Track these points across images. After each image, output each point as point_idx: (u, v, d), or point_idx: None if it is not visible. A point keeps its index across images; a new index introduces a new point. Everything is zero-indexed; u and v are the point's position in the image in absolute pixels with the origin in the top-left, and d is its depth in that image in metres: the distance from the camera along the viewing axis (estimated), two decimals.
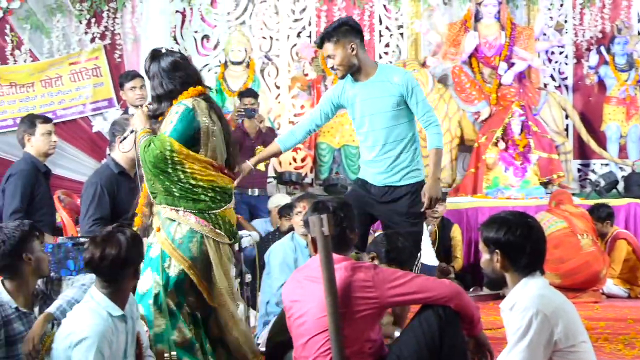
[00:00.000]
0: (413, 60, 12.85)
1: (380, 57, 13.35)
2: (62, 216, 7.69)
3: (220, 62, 13.29)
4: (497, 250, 4.41)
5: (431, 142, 6.65)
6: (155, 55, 5.52)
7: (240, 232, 7.61)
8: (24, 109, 11.99)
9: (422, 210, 6.59)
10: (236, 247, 7.18)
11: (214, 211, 5.37)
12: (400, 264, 5.73)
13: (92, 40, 12.73)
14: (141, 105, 7.39)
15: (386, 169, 6.69)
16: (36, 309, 4.96)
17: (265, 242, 9.26)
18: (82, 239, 5.97)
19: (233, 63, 12.95)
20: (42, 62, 12.50)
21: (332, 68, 6.69)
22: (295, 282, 4.99)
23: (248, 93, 11.43)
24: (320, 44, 6.68)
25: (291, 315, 4.94)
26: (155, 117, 5.54)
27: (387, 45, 13.47)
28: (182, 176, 5.27)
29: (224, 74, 13.00)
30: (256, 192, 10.95)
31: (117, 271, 4.55)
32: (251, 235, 7.87)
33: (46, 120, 7.59)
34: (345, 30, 6.56)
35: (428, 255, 9.52)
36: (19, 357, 4.75)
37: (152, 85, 5.58)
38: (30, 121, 7.51)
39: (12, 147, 10.94)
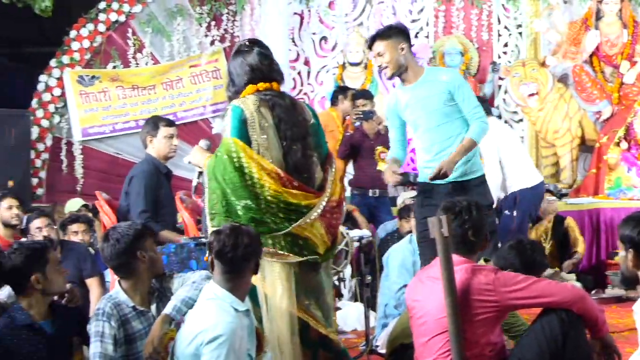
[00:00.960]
0: (532, 60, 12.67)
1: (499, 57, 13.21)
2: (183, 217, 7.78)
3: (338, 63, 13.33)
4: (630, 249, 4.32)
5: (471, 131, 6.57)
6: (236, 52, 5.42)
7: (356, 233, 7.63)
8: (146, 111, 12.23)
9: (431, 177, 6.49)
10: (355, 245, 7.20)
11: (276, 233, 4.97)
12: (537, 273, 5.62)
13: (212, 43, 12.91)
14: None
15: None
16: (153, 307, 5.01)
17: (384, 243, 9.24)
18: (204, 240, 6.03)
19: (351, 64, 12.98)
20: (163, 65, 12.73)
21: (380, 67, 6.72)
22: (418, 281, 4.97)
23: (361, 94, 11.41)
24: (370, 44, 6.74)
25: (413, 314, 4.91)
26: None
27: (505, 45, 13.31)
28: (249, 182, 4.92)
29: (343, 75, 13.04)
30: (377, 192, 10.89)
31: (244, 262, 4.55)
32: (363, 235, 7.85)
33: (169, 123, 7.66)
34: (397, 31, 6.68)
35: None
36: (138, 354, 4.79)
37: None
38: (154, 123, 7.60)
39: (135, 148, 11.19)
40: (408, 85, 6.71)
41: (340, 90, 11.09)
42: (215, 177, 4.99)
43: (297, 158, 5.10)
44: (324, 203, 5.09)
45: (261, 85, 5.18)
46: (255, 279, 4.84)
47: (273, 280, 4.98)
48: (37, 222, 7.51)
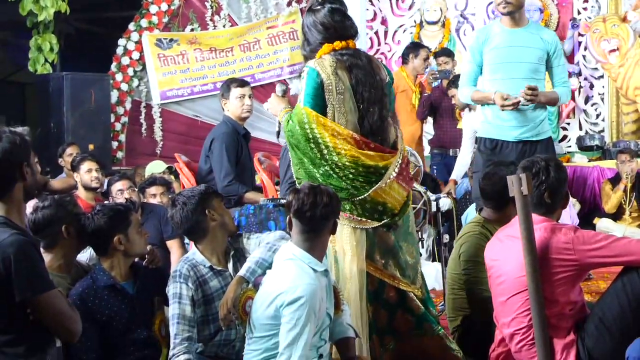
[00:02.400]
0: (613, 15, 12.46)
1: (579, 13, 13.01)
2: (262, 178, 7.84)
3: (415, 22, 13.27)
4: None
5: (560, 89, 6.68)
6: (308, 10, 5.35)
7: (437, 195, 7.60)
8: (224, 73, 12.29)
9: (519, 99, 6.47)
10: (434, 208, 7.18)
11: (357, 198, 5.00)
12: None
13: (289, 4, 12.92)
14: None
15: (523, 122, 6.66)
16: (230, 265, 5.02)
17: (462, 202, 9.21)
18: (282, 201, 6.06)
19: (428, 23, 12.92)
20: (241, 27, 12.78)
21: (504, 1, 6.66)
22: (497, 240, 4.94)
23: (442, 52, 11.34)
24: None
25: (492, 274, 4.89)
26: None
27: (585, 0, 13.09)
28: (325, 152, 4.96)
29: (420, 34, 12.98)
30: (457, 152, 10.84)
31: (322, 221, 4.54)
32: (447, 197, 7.82)
33: (241, 84, 7.67)
34: None
35: None
36: (217, 314, 4.82)
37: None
38: (227, 85, 7.64)
39: (214, 111, 11.27)
40: (509, 27, 6.69)
41: (411, 48, 10.96)
42: (292, 146, 5.07)
43: (373, 121, 5.07)
44: (399, 161, 5.09)
45: (337, 45, 5.12)
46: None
47: (342, 244, 5.03)
48: (119, 185, 7.61)
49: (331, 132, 4.95)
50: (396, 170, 5.06)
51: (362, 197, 4.98)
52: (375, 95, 5.11)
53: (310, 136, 4.96)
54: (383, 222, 5.07)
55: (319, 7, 5.24)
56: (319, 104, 4.99)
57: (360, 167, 4.96)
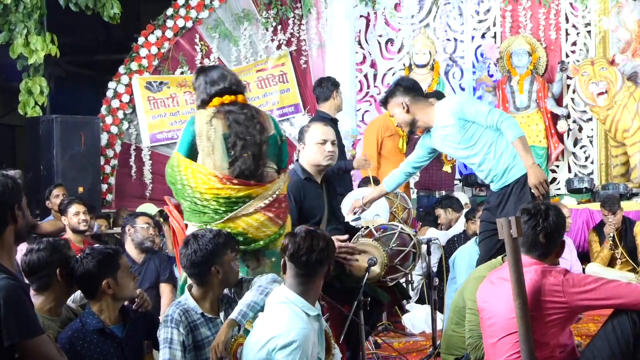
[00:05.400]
0: (601, 58, 12.54)
1: (567, 56, 13.12)
2: None
3: (404, 65, 13.33)
4: None
5: (508, 135, 6.59)
6: (201, 70, 5.93)
7: (427, 238, 7.61)
8: None
9: (539, 196, 6.51)
10: (424, 250, 7.18)
11: (217, 222, 5.46)
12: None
13: (279, 47, 12.97)
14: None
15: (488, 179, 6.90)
16: (222, 314, 5.03)
17: (451, 244, 9.22)
18: None
19: (417, 66, 12.96)
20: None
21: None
22: (489, 282, 4.95)
23: (433, 95, 11.36)
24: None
25: (483, 316, 4.90)
26: None
27: (574, 43, 13.20)
28: (189, 191, 5.54)
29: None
30: (443, 193, 10.89)
31: (318, 266, 4.55)
32: (437, 240, 7.84)
33: None
34: (394, 89, 7.01)
35: None
36: None
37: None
38: None
39: None
40: (429, 131, 6.96)
41: None
42: (169, 184, 5.77)
43: (246, 166, 5.56)
44: (270, 197, 5.61)
45: (226, 98, 5.69)
46: None
47: None
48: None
49: (194, 174, 5.54)
50: (265, 202, 5.56)
51: (222, 221, 5.45)
52: (250, 143, 5.58)
53: (178, 178, 5.60)
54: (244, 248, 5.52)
55: (210, 67, 5.98)
56: (192, 148, 5.61)
57: (221, 199, 5.48)
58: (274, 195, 5.63)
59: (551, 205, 4.88)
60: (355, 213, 7.13)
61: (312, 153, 6.45)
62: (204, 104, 5.72)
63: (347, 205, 7.24)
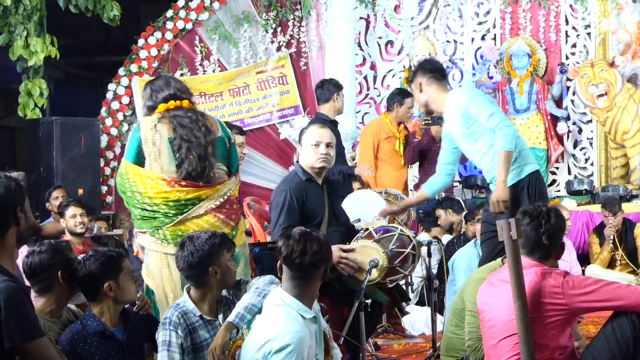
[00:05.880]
0: (601, 60, 12.54)
1: (567, 58, 13.11)
2: (251, 222, 7.83)
3: (404, 67, 13.33)
4: None
5: (498, 144, 6.60)
6: (148, 81, 6.14)
7: (427, 240, 7.60)
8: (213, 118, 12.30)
9: (494, 214, 6.55)
10: (424, 252, 7.17)
11: (167, 225, 5.64)
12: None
13: (278, 48, 12.96)
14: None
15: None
16: (220, 316, 5.04)
17: (450, 246, 9.22)
18: (270, 245, 6.07)
19: None
20: (230, 72, 12.81)
21: None
22: (489, 284, 4.95)
23: None
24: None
25: (483, 317, 4.90)
26: None
27: (574, 45, 13.19)
28: (138, 197, 5.69)
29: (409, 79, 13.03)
30: (442, 195, 10.88)
31: (312, 269, 4.55)
32: (438, 242, 7.84)
33: (241, 132, 7.80)
34: (415, 71, 7.12)
35: None
36: None
37: None
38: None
39: None
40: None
41: (396, 97, 10.93)
42: (120, 192, 5.93)
43: (192, 168, 5.70)
44: (220, 198, 5.78)
45: (172, 104, 5.85)
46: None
47: (152, 268, 5.72)
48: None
49: (142, 179, 5.69)
50: (216, 203, 5.73)
51: (173, 224, 5.63)
52: (195, 145, 5.74)
53: (127, 185, 5.75)
54: None
55: (157, 77, 6.22)
56: (140, 155, 5.76)
57: (170, 202, 5.63)
58: (225, 197, 5.81)
59: (551, 207, 4.89)
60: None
61: (307, 155, 6.46)
62: (150, 110, 5.89)
63: (348, 208, 7.22)
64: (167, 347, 4.77)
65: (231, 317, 4.74)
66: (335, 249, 5.84)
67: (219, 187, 5.78)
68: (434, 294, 7.36)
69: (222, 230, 5.54)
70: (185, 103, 5.89)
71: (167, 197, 5.62)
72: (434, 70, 6.99)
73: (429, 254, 7.37)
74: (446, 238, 9.82)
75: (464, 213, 9.73)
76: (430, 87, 6.91)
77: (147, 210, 5.66)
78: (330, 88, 9.41)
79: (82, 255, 5.02)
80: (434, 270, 8.48)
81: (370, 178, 10.23)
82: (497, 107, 6.96)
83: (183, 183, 5.65)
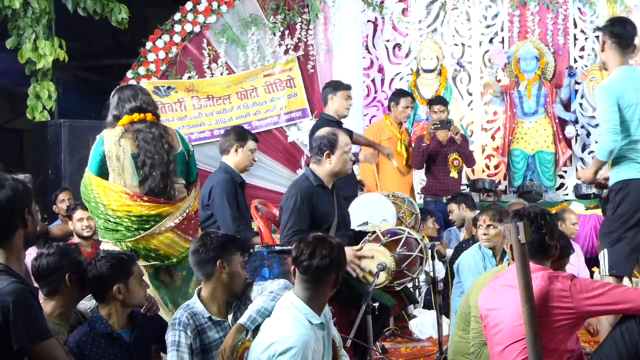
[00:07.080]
0: None
1: (576, 61, 13.07)
2: (258, 225, 7.84)
3: (412, 70, 13.30)
4: None
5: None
6: (116, 90, 6.30)
7: (432, 243, 7.60)
8: (221, 121, 12.33)
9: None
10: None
11: (129, 239, 5.86)
12: None
13: (286, 52, 12.94)
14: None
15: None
16: (230, 316, 5.06)
17: (458, 250, 9.21)
18: (278, 248, 6.07)
19: (425, 71, 12.96)
20: (238, 75, 12.79)
21: None
22: (491, 290, 4.92)
23: (437, 100, 11.38)
24: None
25: (487, 323, 4.87)
26: None
27: (582, 48, 13.15)
28: (102, 208, 5.89)
29: (416, 82, 13.03)
30: (449, 199, 10.88)
31: (320, 272, 4.56)
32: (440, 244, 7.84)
33: (255, 138, 7.87)
34: (602, 29, 7.12)
35: None
36: None
37: None
38: (242, 134, 7.72)
39: (211, 158, 11.25)
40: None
41: (393, 97, 10.95)
42: (84, 202, 6.10)
43: (155, 184, 5.94)
44: (180, 215, 5.98)
45: (135, 117, 6.01)
46: None
47: None
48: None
49: (106, 191, 5.87)
50: (175, 221, 5.96)
51: (135, 239, 5.85)
52: (158, 162, 5.96)
53: (91, 196, 5.94)
54: (151, 263, 5.94)
55: (125, 86, 6.42)
56: (103, 167, 5.94)
57: (132, 216, 5.84)
58: (184, 214, 6.04)
59: (540, 208, 4.91)
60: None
61: (340, 161, 6.48)
62: (115, 119, 6.07)
63: (356, 211, 7.21)
64: (176, 347, 4.79)
65: (243, 319, 4.76)
66: (350, 251, 5.84)
67: (179, 204, 6.01)
68: (439, 297, 7.36)
69: (181, 246, 5.86)
70: (149, 116, 6.04)
71: (129, 212, 5.84)
72: (619, 36, 6.95)
73: (434, 257, 7.36)
74: (447, 235, 9.81)
75: (472, 217, 9.70)
76: (610, 51, 6.95)
77: (110, 222, 5.87)
78: (326, 89, 9.50)
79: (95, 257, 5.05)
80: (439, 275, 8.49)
81: (372, 181, 10.23)
82: (615, 114, 6.87)
83: (145, 198, 5.87)
